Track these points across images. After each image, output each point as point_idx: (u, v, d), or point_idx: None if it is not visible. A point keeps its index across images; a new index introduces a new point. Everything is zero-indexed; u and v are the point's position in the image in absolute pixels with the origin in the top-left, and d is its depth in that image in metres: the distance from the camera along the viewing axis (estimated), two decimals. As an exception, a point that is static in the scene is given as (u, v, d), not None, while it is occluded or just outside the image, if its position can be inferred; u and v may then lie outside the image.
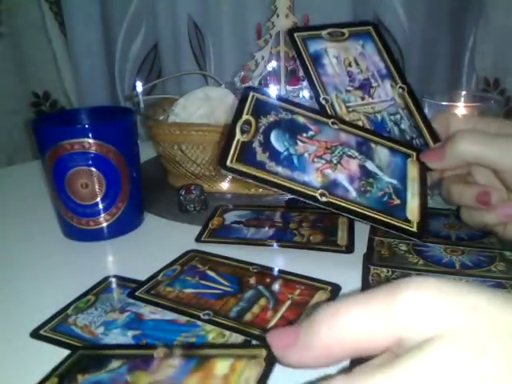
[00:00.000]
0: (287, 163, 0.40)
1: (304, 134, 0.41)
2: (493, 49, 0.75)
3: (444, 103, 0.57)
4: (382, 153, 0.43)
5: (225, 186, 0.59)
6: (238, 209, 0.55)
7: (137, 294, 0.39)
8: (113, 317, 0.37)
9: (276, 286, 0.40)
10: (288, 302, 0.38)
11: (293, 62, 0.59)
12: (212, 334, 0.35)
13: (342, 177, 0.41)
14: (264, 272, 0.42)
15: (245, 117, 0.41)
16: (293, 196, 0.40)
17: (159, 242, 0.50)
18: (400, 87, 0.47)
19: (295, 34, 0.48)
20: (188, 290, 0.40)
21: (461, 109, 0.56)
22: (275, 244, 0.47)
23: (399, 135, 0.46)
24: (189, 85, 0.82)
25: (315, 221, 0.51)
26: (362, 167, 0.41)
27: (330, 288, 0.39)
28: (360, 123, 0.45)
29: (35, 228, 0.55)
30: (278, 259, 0.45)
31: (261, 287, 0.40)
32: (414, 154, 0.44)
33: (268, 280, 0.41)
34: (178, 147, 0.57)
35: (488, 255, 0.43)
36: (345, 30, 0.49)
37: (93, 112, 0.56)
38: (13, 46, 0.92)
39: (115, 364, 0.31)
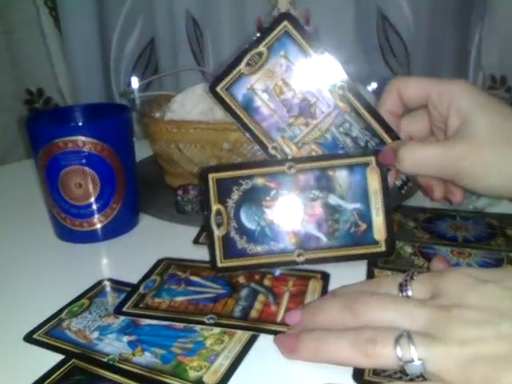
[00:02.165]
0: (262, 238, 0.42)
1: (267, 198, 0.43)
2: (499, 46, 0.75)
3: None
4: (341, 177, 0.44)
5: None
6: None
7: (124, 309, 0.38)
8: (108, 321, 0.37)
9: (268, 282, 0.41)
10: (286, 294, 0.39)
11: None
12: (210, 339, 0.34)
13: (310, 227, 0.43)
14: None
15: (214, 208, 0.43)
16: (274, 268, 0.42)
17: (155, 244, 0.49)
18: (339, 88, 0.45)
19: (217, 89, 0.46)
20: (179, 298, 0.39)
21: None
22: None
23: (353, 145, 0.46)
24: (186, 81, 0.81)
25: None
26: (326, 206, 0.43)
27: (319, 276, 0.41)
28: (313, 154, 0.46)
29: (28, 229, 0.54)
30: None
31: (253, 284, 0.40)
32: (373, 158, 0.44)
33: (257, 277, 0.41)
34: (176, 146, 0.56)
35: (495, 257, 0.43)
36: (262, 49, 0.45)
37: (87, 109, 0.56)
38: (7, 42, 0.91)
39: None
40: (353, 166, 0.43)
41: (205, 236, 0.49)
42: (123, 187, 0.49)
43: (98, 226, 0.49)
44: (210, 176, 0.43)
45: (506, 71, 0.75)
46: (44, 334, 0.35)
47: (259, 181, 0.43)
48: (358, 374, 0.30)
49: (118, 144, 0.48)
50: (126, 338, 0.35)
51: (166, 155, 0.58)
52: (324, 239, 0.42)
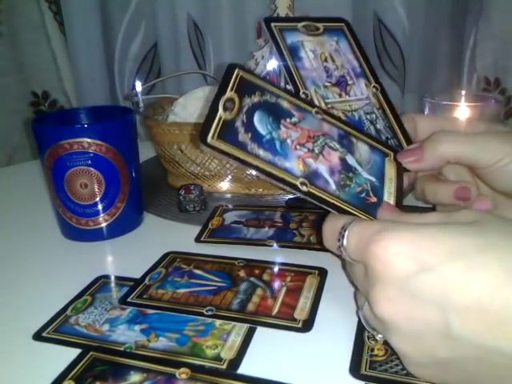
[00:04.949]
0: (269, 147, 0.38)
1: (288, 120, 0.40)
2: (493, 48, 0.75)
3: (444, 103, 0.57)
4: (363, 148, 0.42)
5: (225, 185, 0.59)
6: (237, 209, 0.55)
7: (129, 300, 0.39)
8: (115, 314, 0.37)
9: (267, 276, 0.41)
10: (284, 289, 0.39)
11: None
12: (219, 320, 0.35)
13: (323, 168, 0.40)
14: (250, 265, 0.43)
15: (228, 94, 0.38)
16: (272, 181, 0.38)
17: (159, 242, 0.49)
18: (374, 86, 0.47)
19: (272, 24, 0.47)
20: (181, 290, 0.40)
21: (461, 108, 0.56)
22: (275, 244, 0.47)
23: (375, 135, 0.46)
24: (188, 84, 0.82)
25: (315, 221, 0.51)
26: (343, 160, 0.41)
27: (317, 272, 0.42)
28: None
29: (34, 228, 0.55)
30: (278, 259, 0.45)
31: (253, 279, 0.41)
32: (392, 153, 0.43)
33: (257, 271, 0.42)
34: (178, 147, 0.57)
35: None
36: (319, 25, 0.49)
37: (92, 111, 0.56)
38: (12, 45, 0.92)
39: (136, 377, 0.30)
40: (374, 147, 0.43)
41: (206, 234, 0.49)
42: (127, 187, 0.50)
43: (104, 224, 0.50)
44: (236, 70, 0.39)
45: (500, 73, 0.75)
46: (53, 332, 0.35)
47: (285, 103, 0.40)
48: (354, 368, 0.30)
49: (123, 145, 0.49)
50: (137, 327, 0.35)
51: (169, 156, 0.59)
52: (333, 186, 0.39)
